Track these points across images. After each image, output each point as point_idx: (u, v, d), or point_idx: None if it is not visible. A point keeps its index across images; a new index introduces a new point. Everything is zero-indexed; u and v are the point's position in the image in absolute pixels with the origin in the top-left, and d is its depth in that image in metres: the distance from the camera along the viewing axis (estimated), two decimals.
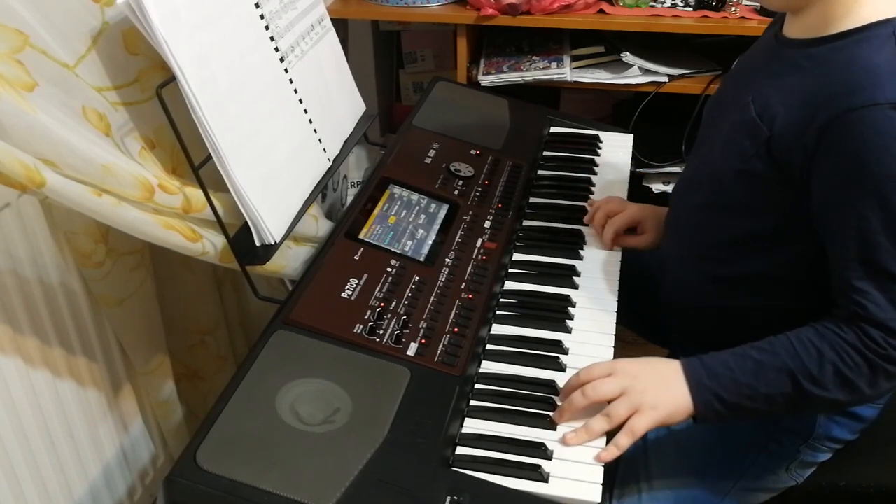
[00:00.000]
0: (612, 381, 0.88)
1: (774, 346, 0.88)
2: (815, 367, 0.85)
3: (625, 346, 0.99)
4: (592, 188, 1.33)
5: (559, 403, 0.91)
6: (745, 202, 0.96)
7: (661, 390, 0.88)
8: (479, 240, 1.14)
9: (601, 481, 0.83)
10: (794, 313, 0.91)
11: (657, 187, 1.86)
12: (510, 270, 1.14)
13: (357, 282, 1.00)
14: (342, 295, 0.98)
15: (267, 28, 1.06)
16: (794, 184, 0.89)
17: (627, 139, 1.49)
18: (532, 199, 1.30)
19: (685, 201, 1.09)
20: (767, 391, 0.87)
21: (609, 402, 0.88)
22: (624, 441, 0.86)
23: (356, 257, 1.04)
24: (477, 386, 0.94)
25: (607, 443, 0.87)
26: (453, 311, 1.00)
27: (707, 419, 0.89)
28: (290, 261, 1.11)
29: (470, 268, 1.08)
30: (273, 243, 1.01)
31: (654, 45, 1.79)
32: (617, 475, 1.05)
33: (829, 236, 0.88)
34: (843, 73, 0.84)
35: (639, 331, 1.37)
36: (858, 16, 0.86)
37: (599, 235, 1.20)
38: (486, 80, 1.76)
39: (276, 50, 1.08)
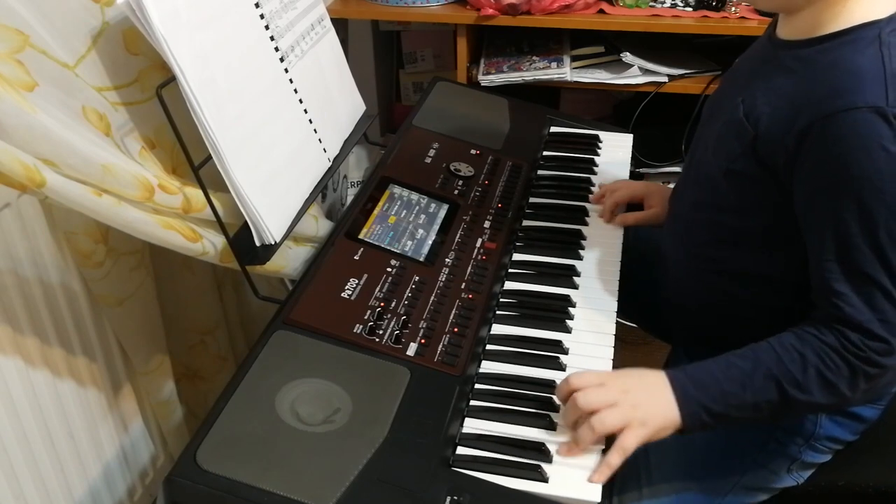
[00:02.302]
0: (603, 391, 0.87)
1: (758, 354, 0.88)
2: (799, 371, 0.85)
3: (625, 347, 0.98)
4: (592, 188, 1.33)
5: (556, 402, 0.91)
6: (735, 202, 0.96)
7: (651, 405, 0.87)
8: (479, 240, 1.14)
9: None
10: (793, 313, 0.91)
11: None
12: (510, 270, 1.14)
13: (357, 282, 1.00)
14: (342, 295, 0.98)
15: (267, 28, 1.06)
16: (780, 185, 0.89)
17: (627, 139, 1.49)
18: (532, 199, 1.30)
19: (681, 199, 1.10)
20: (754, 399, 0.86)
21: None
22: (615, 459, 0.84)
23: (356, 257, 1.04)
24: (477, 386, 0.94)
25: (605, 451, 0.86)
26: (453, 311, 1.00)
27: (693, 431, 0.88)
28: (290, 261, 1.11)
29: (470, 268, 1.08)
30: (273, 243, 1.01)
31: (654, 45, 1.79)
32: (617, 474, 1.05)
33: (809, 237, 0.88)
34: (827, 75, 0.84)
35: (642, 327, 1.37)
36: (847, 18, 0.86)
37: (604, 215, 1.25)
38: (486, 80, 1.76)
39: (276, 50, 1.08)
